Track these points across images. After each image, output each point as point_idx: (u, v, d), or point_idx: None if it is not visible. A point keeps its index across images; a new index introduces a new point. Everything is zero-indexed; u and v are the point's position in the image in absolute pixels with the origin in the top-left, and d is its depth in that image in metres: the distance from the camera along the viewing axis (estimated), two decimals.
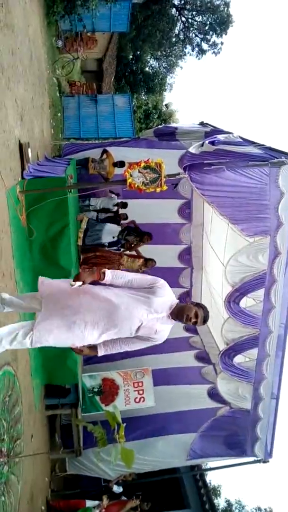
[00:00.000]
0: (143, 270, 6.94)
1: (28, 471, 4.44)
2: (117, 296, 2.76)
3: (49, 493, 5.77)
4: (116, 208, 7.52)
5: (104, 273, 2.74)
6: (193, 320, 2.82)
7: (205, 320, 2.89)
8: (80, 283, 2.66)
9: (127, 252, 7.16)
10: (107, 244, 7.18)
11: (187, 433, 6.25)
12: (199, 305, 2.92)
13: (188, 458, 6.17)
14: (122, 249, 7.38)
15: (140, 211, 7.49)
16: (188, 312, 2.80)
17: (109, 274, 2.76)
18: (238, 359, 5.18)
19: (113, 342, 2.88)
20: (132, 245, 7.31)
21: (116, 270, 2.90)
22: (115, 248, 7.35)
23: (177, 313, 2.83)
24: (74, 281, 2.68)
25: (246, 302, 4.81)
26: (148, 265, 6.97)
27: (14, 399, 3.97)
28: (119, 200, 7.54)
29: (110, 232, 7.00)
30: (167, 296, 2.86)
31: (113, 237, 7.11)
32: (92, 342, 2.75)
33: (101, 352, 2.86)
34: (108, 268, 7.15)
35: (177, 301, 2.91)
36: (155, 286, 2.85)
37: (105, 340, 2.80)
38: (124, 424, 4.10)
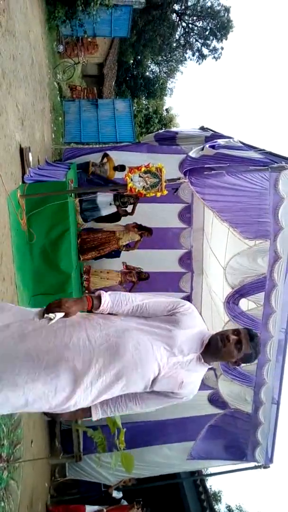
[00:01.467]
0: (141, 238, 6.96)
1: (28, 476, 4.42)
2: (122, 331, 1.86)
3: (48, 498, 5.75)
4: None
5: (99, 298, 1.90)
6: (237, 357, 1.97)
7: (254, 357, 2.03)
8: (61, 315, 1.79)
9: (120, 226, 7.15)
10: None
11: (188, 441, 6.22)
12: (246, 334, 1.98)
13: (188, 458, 6.14)
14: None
15: (140, 216, 7.49)
16: (230, 350, 1.94)
17: (108, 299, 1.91)
18: None
19: (115, 401, 2.00)
20: (131, 210, 7.25)
21: (120, 291, 2.01)
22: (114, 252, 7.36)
23: (213, 352, 1.96)
24: (47, 312, 1.79)
25: (247, 305, 4.81)
26: (144, 235, 6.95)
27: None
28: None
29: (104, 202, 6.97)
30: (197, 327, 1.98)
31: (110, 204, 7.03)
32: (85, 405, 1.86)
33: (96, 416, 1.99)
34: (108, 249, 7.05)
35: (211, 333, 2.02)
36: (179, 313, 1.96)
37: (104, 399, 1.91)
38: (124, 430, 4.11)
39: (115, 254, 7.38)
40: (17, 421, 4.05)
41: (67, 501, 6.13)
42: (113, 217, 7.35)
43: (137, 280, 7.18)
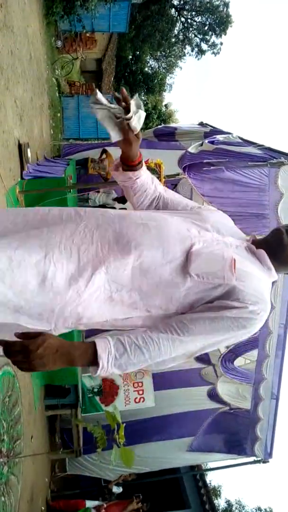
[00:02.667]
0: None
1: (28, 471, 4.44)
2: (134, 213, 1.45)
3: (49, 493, 5.77)
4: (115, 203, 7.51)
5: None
6: None
7: None
8: None
9: None
10: None
11: (188, 437, 6.25)
12: None
13: (188, 450, 6.17)
14: None
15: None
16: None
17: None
18: (239, 361, 5.17)
19: (139, 333, 1.27)
20: None
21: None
22: None
23: (274, 251, 1.42)
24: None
25: None
26: None
27: (14, 399, 3.97)
28: (117, 195, 7.53)
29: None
30: (229, 223, 1.55)
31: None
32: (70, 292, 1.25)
33: (105, 361, 1.20)
34: None
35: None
36: (206, 210, 1.57)
37: (111, 317, 1.33)
38: (124, 425, 4.12)
39: None
40: (17, 417, 4.07)
41: (67, 496, 6.16)
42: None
43: None
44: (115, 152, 7.24)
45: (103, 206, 7.45)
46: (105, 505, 5.48)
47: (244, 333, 1.34)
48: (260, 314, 1.32)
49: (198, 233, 1.37)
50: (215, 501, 11.16)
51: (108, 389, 6.37)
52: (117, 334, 1.27)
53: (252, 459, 6.08)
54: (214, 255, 1.32)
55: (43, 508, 5.27)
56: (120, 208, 7.34)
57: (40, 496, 5.25)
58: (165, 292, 1.32)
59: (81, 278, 1.26)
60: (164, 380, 6.77)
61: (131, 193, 1.54)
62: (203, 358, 7.32)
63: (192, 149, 4.23)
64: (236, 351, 4.98)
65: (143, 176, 1.50)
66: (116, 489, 6.02)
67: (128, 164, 1.46)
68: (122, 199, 7.37)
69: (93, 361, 1.20)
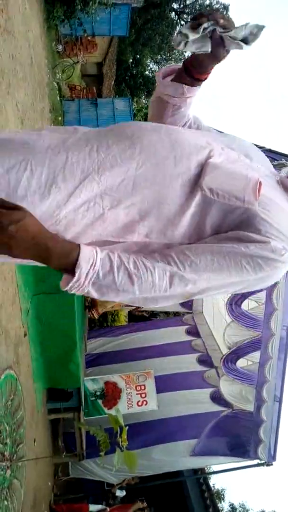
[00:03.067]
0: None
1: (31, 475, 4.43)
2: None
3: (52, 497, 5.76)
4: None
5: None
6: None
7: None
8: None
9: None
10: None
11: (191, 439, 6.22)
12: None
13: (191, 454, 6.15)
14: None
15: None
16: None
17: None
18: (241, 362, 5.17)
19: (130, 258, 1.04)
20: None
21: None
22: None
23: None
24: None
25: (248, 305, 4.81)
26: None
27: (16, 403, 3.96)
28: None
29: None
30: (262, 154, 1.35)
31: None
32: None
33: (83, 274, 0.97)
34: None
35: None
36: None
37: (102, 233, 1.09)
38: (127, 427, 4.11)
39: None
40: (19, 420, 4.06)
41: (70, 500, 6.14)
42: None
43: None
44: None
45: None
46: (108, 509, 5.46)
47: (260, 279, 1.08)
48: (284, 256, 1.04)
49: (221, 149, 1.13)
50: (219, 505, 11.13)
51: (110, 393, 6.36)
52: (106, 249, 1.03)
53: (255, 462, 6.06)
54: (235, 172, 1.06)
55: None
56: None
57: (43, 500, 5.23)
58: (172, 213, 1.07)
59: (63, 185, 1.01)
60: (166, 383, 6.76)
61: (168, 113, 1.28)
62: (206, 361, 7.32)
63: None
64: (239, 352, 4.97)
65: (194, 97, 1.24)
66: (120, 493, 6.00)
67: (195, 75, 1.17)
68: None
69: (70, 269, 0.97)
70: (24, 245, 0.94)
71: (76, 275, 0.96)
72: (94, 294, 1.01)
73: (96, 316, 7.40)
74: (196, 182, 1.05)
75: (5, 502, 3.48)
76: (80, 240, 1.06)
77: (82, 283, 0.97)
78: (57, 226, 1.03)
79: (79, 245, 1.00)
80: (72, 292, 1.01)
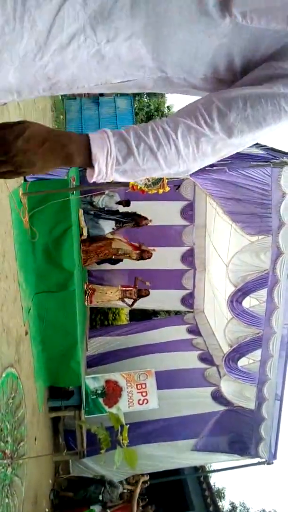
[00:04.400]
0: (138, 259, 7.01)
1: (32, 473, 4.44)
2: None
3: (53, 495, 5.77)
4: (119, 206, 7.51)
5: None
6: None
7: None
8: None
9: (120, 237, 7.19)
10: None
11: (191, 439, 6.23)
12: None
13: (193, 449, 6.15)
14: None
15: (143, 213, 7.49)
16: None
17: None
18: (242, 361, 5.17)
19: (147, 129, 0.89)
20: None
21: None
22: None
23: None
24: None
25: (249, 302, 4.81)
26: (144, 256, 6.99)
27: (17, 401, 3.97)
28: (121, 199, 7.54)
29: (108, 227, 7.12)
30: None
31: (113, 228, 7.21)
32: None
33: (102, 165, 0.88)
34: (106, 252, 6.93)
35: None
36: None
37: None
38: (127, 426, 4.12)
39: (115, 261, 7.45)
40: (20, 418, 4.07)
41: (71, 503, 6.15)
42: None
43: (137, 297, 7.29)
44: None
45: (110, 212, 7.47)
46: (108, 511, 5.46)
47: None
48: None
49: None
50: (219, 503, 11.12)
51: (111, 391, 6.37)
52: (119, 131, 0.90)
53: (256, 460, 6.06)
54: None
55: (47, 510, 5.27)
56: (125, 213, 7.37)
57: (44, 498, 5.25)
58: (188, 42, 0.88)
59: (38, 13, 0.81)
60: (167, 380, 6.77)
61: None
62: (207, 359, 7.32)
63: None
64: (240, 350, 4.97)
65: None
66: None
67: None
68: (126, 202, 7.39)
69: (89, 163, 0.88)
70: (41, 153, 0.84)
71: (96, 169, 0.87)
72: (123, 178, 0.91)
73: (88, 304, 7.38)
74: (222, 2, 0.82)
75: (6, 500, 3.49)
76: (80, 82, 0.94)
77: (104, 174, 0.89)
78: (44, 70, 0.89)
79: (87, 135, 0.88)
80: (98, 181, 0.92)
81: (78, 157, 0.87)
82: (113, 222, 7.25)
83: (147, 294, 7.39)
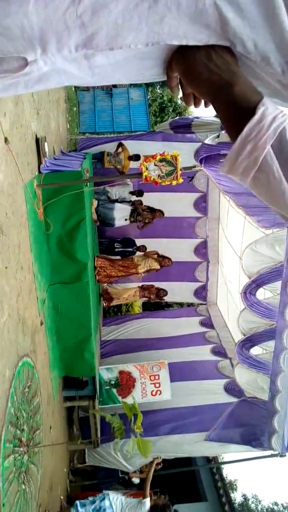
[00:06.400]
0: (157, 269, 7.05)
1: (47, 461, 4.52)
2: None
3: (68, 484, 5.87)
4: (133, 196, 7.50)
5: None
6: None
7: None
8: None
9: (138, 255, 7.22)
10: (120, 239, 7.28)
11: (204, 432, 6.25)
12: None
13: (206, 439, 6.17)
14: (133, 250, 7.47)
15: (156, 205, 7.48)
16: None
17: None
18: (255, 350, 5.16)
19: None
20: (146, 222, 7.35)
21: None
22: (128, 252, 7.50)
23: None
24: None
25: (264, 294, 4.79)
26: (163, 263, 7.00)
27: (33, 390, 4.04)
28: (135, 189, 7.54)
29: (121, 211, 7.11)
30: None
31: (125, 219, 7.19)
32: None
33: (267, 120, 0.67)
34: (126, 274, 6.90)
35: None
36: None
37: None
38: (141, 415, 4.16)
39: (129, 253, 7.48)
40: (36, 407, 4.13)
41: (86, 487, 6.25)
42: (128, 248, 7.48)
43: (155, 297, 7.36)
44: (131, 146, 7.25)
45: (118, 200, 7.47)
46: (121, 494, 5.53)
47: None
48: None
49: None
50: (232, 495, 11.17)
51: (125, 382, 6.42)
52: None
53: (269, 453, 6.06)
54: None
55: (62, 497, 5.36)
56: (136, 200, 7.35)
57: (60, 485, 5.34)
58: None
59: None
60: (180, 372, 6.80)
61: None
62: (220, 352, 7.32)
63: (209, 140, 4.21)
64: (253, 339, 4.95)
65: None
66: (135, 480, 6.06)
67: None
68: (139, 193, 7.38)
69: (248, 112, 0.68)
70: (207, 71, 0.75)
71: (258, 113, 0.66)
72: (245, 174, 0.71)
73: (106, 306, 7.50)
74: None
75: (23, 486, 3.56)
76: (125, 41, 0.75)
77: (264, 129, 0.66)
78: (77, 10, 0.72)
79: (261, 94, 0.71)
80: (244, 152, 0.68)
81: (243, 93, 0.71)
82: (127, 213, 7.24)
83: (165, 295, 7.47)
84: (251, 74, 0.77)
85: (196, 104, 0.89)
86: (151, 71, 0.89)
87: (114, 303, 7.48)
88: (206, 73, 0.75)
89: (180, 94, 0.94)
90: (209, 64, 0.74)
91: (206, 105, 0.87)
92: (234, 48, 0.74)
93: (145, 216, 7.27)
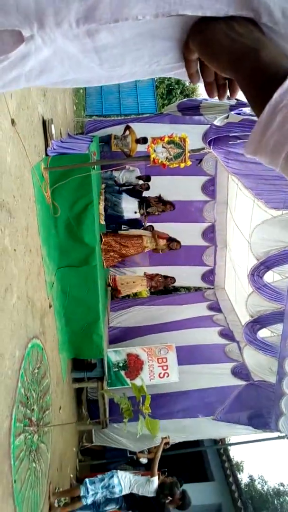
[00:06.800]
0: (166, 251, 6.99)
1: (57, 441, 4.61)
2: None
3: (77, 463, 5.99)
4: (140, 181, 7.46)
5: None
6: None
7: None
8: None
9: (147, 232, 7.12)
10: (126, 221, 7.22)
11: (212, 413, 6.31)
12: None
13: (213, 419, 6.24)
14: (142, 227, 7.39)
15: (163, 189, 7.44)
16: None
17: None
18: (263, 333, 5.16)
19: None
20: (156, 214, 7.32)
21: None
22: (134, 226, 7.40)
23: None
24: None
25: (273, 277, 4.77)
26: (172, 246, 6.95)
27: (42, 371, 4.09)
28: (142, 174, 7.49)
29: (129, 204, 7.05)
30: None
31: (135, 212, 7.13)
32: None
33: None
34: (131, 252, 6.83)
35: None
36: None
37: None
38: (149, 396, 4.21)
39: (139, 224, 7.42)
40: (45, 388, 4.20)
41: (94, 467, 6.38)
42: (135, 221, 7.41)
43: (162, 286, 7.33)
44: (138, 128, 7.18)
45: (125, 184, 7.42)
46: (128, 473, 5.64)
47: None
48: None
49: None
50: (238, 476, 11.35)
51: (133, 364, 6.49)
52: None
53: (276, 434, 6.12)
54: None
55: (71, 475, 5.48)
56: (143, 184, 7.31)
57: (69, 465, 5.45)
58: None
59: None
60: (188, 355, 6.84)
61: None
62: (227, 335, 7.35)
63: (218, 122, 4.14)
64: (260, 321, 4.96)
65: None
66: (143, 460, 6.17)
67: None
68: (146, 178, 7.34)
69: (277, 78, 0.59)
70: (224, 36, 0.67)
71: (279, 91, 0.57)
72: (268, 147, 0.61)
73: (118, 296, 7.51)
74: None
75: (34, 464, 3.64)
76: (131, 12, 0.67)
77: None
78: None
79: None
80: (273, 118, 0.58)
81: (269, 62, 0.61)
82: (136, 205, 7.18)
83: (173, 283, 7.45)
84: None
85: (221, 96, 0.79)
86: (166, 58, 0.79)
87: (122, 294, 7.46)
88: (227, 41, 0.66)
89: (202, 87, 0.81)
90: (230, 33, 0.66)
91: (232, 95, 0.78)
92: (259, 19, 0.65)
93: (157, 208, 7.21)
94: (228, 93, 0.78)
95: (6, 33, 0.72)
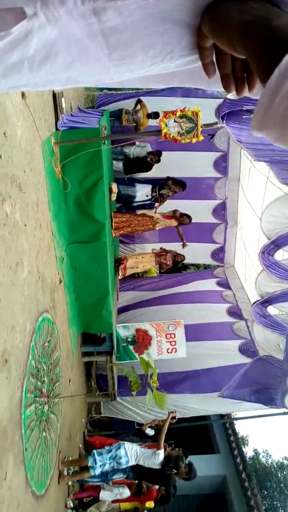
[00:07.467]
0: (178, 227, 6.96)
1: (66, 412, 4.73)
2: None
3: (86, 433, 6.16)
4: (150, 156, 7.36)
5: None
6: None
7: None
8: None
9: (157, 214, 7.06)
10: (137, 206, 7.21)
11: (218, 389, 6.38)
12: None
13: (219, 395, 6.33)
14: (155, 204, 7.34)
15: (174, 165, 7.35)
16: None
17: None
18: (272, 310, 5.16)
19: None
20: (167, 196, 7.25)
21: None
22: (147, 204, 7.35)
23: None
24: None
25: (283, 255, 4.74)
26: (183, 221, 6.91)
27: (53, 344, 4.17)
28: (152, 150, 7.38)
29: (142, 192, 7.02)
30: None
31: (147, 196, 7.10)
32: None
33: None
34: (142, 230, 6.74)
35: None
36: None
37: None
38: (157, 370, 4.27)
39: (148, 206, 7.37)
40: (56, 361, 4.29)
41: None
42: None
43: (171, 263, 7.20)
44: (150, 102, 7.04)
45: (137, 159, 7.33)
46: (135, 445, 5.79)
47: None
48: None
49: None
50: (243, 449, 11.62)
51: (141, 339, 6.57)
52: None
53: (282, 410, 6.20)
54: None
55: (80, 445, 5.65)
56: (154, 157, 7.21)
57: (78, 435, 5.61)
58: None
59: None
60: (196, 331, 6.89)
61: None
62: (236, 313, 7.37)
63: (231, 95, 4.03)
64: (270, 299, 4.96)
65: None
66: (149, 431, 6.32)
67: None
68: (157, 153, 7.23)
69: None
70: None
71: None
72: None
73: (123, 275, 7.35)
74: None
75: (44, 433, 3.75)
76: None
77: None
78: None
79: None
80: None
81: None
82: (148, 190, 7.12)
83: (183, 260, 7.40)
84: None
85: (239, 91, 0.73)
86: (179, 47, 0.74)
87: (129, 273, 7.38)
88: (238, 14, 0.60)
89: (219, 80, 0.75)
90: (242, 7, 0.61)
91: (250, 89, 0.72)
92: None
93: (173, 189, 7.12)
94: (246, 88, 0.73)
95: (8, 11, 0.69)
